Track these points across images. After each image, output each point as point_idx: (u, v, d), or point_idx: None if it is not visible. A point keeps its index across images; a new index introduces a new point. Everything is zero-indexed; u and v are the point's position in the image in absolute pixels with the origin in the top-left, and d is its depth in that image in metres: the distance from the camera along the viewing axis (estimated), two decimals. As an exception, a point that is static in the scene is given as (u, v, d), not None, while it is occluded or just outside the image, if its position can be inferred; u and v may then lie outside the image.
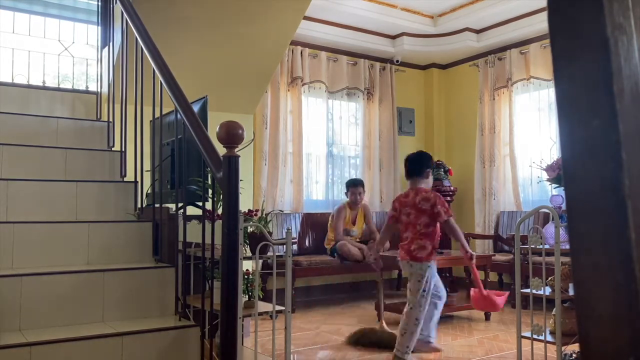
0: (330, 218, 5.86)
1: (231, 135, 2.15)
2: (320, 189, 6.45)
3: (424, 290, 3.44)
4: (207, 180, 2.59)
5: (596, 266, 0.47)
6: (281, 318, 2.44)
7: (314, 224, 6.05)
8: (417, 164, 3.65)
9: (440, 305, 3.72)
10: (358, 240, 5.83)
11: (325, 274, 5.64)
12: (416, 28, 6.37)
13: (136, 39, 2.94)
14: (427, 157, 3.79)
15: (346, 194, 5.87)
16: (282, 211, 5.75)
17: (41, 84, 4.19)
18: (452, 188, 6.65)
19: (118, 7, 3.40)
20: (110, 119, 3.67)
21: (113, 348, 2.26)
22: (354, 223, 5.83)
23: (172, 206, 2.81)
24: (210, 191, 2.61)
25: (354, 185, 5.82)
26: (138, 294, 2.59)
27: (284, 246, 2.46)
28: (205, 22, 4.30)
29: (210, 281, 2.48)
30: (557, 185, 3.21)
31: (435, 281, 3.56)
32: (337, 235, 5.73)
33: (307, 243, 5.96)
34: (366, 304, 5.54)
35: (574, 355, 2.69)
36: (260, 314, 2.42)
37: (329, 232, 5.85)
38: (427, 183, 3.64)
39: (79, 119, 3.91)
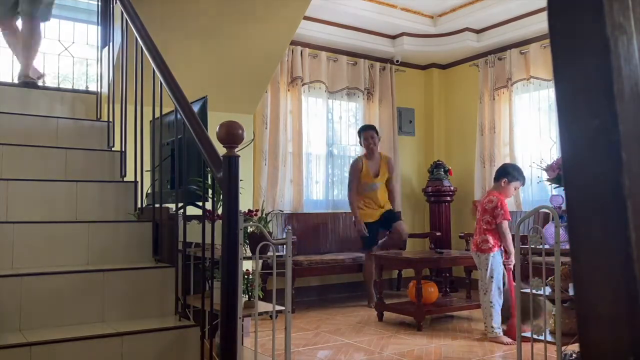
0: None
1: (231, 135, 2.14)
2: (320, 189, 6.45)
3: (490, 277, 4.05)
4: (207, 180, 2.59)
5: (596, 266, 0.47)
6: (281, 318, 2.44)
7: (314, 224, 6.05)
8: (498, 173, 4.30)
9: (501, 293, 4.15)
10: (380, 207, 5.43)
11: (325, 274, 5.64)
12: (416, 28, 6.37)
13: (136, 39, 2.94)
14: (507, 170, 4.26)
15: (360, 143, 5.54)
16: (282, 211, 5.75)
17: (41, 84, 4.18)
18: (452, 188, 6.65)
19: (118, 7, 3.40)
20: (110, 119, 3.67)
21: (113, 348, 2.26)
22: (376, 175, 5.40)
23: (172, 206, 2.81)
24: (210, 191, 2.61)
25: (364, 130, 5.46)
26: (138, 293, 2.59)
27: (284, 246, 2.46)
28: (205, 22, 4.29)
29: (210, 281, 2.48)
30: (557, 185, 3.20)
31: (500, 270, 4.11)
32: (350, 197, 5.39)
33: (307, 243, 5.96)
34: (366, 303, 5.54)
35: (574, 355, 2.69)
36: (260, 314, 2.42)
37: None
38: (502, 189, 4.17)
39: (79, 119, 3.91)
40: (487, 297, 4.06)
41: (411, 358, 3.66)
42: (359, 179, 5.36)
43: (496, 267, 4.06)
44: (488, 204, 4.13)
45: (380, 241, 5.47)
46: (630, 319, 0.44)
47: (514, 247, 2.99)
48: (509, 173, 4.16)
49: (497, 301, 4.05)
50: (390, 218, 5.40)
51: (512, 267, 4.04)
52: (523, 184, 4.32)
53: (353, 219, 5.48)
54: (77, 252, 2.74)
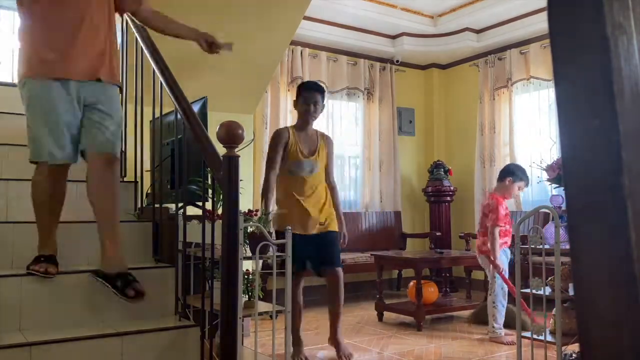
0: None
1: (231, 135, 2.15)
2: (320, 189, 6.43)
3: (493, 277, 4.08)
4: (207, 180, 2.59)
5: (596, 266, 0.47)
6: (281, 318, 2.44)
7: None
8: (503, 172, 4.27)
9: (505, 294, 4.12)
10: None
11: (325, 274, 5.62)
12: (416, 28, 6.37)
13: (136, 38, 2.94)
14: (511, 169, 4.26)
15: (295, 106, 3.68)
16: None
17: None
18: (452, 188, 6.65)
19: (118, 7, 3.40)
20: (110, 119, 3.66)
21: (113, 348, 2.26)
22: (311, 153, 3.57)
23: (172, 206, 2.81)
24: (210, 191, 2.61)
25: (308, 89, 3.60)
26: (138, 294, 2.58)
27: (284, 246, 2.46)
28: (205, 22, 4.28)
29: (210, 281, 2.48)
30: (557, 185, 3.20)
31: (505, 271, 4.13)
32: (265, 183, 3.50)
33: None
34: (366, 303, 5.54)
35: (574, 355, 2.69)
36: (260, 314, 2.42)
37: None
38: (505, 188, 4.16)
39: (79, 119, 3.89)
40: (491, 298, 4.09)
41: (411, 358, 3.66)
42: (284, 155, 3.51)
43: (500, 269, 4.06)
44: (487, 207, 4.16)
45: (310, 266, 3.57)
46: (630, 319, 0.44)
47: (515, 247, 2.99)
48: (513, 173, 4.17)
49: (501, 302, 4.04)
50: (325, 252, 3.51)
51: (501, 271, 4.02)
52: (527, 185, 4.30)
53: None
54: (77, 252, 2.74)
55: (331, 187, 3.69)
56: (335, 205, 3.65)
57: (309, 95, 3.55)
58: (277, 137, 3.55)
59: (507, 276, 4.05)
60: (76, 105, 2.45)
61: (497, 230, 4.02)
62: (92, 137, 2.47)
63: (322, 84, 3.76)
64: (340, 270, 3.56)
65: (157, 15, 2.76)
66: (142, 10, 2.75)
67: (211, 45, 2.73)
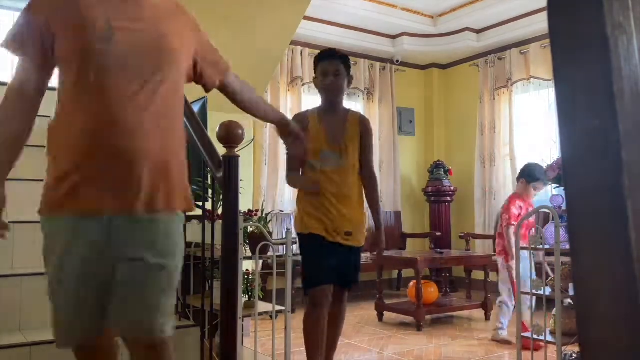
0: None
1: (231, 135, 2.15)
2: (320, 189, 6.43)
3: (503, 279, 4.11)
4: (207, 180, 2.59)
5: (596, 266, 0.47)
6: (281, 318, 2.44)
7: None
8: (519, 173, 4.21)
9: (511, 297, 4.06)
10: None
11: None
12: (416, 28, 6.37)
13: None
14: (527, 170, 4.15)
15: (315, 82, 2.89)
16: (282, 211, 5.75)
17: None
18: (452, 188, 6.65)
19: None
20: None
21: (113, 348, 2.26)
22: (335, 140, 2.76)
23: (172, 206, 2.80)
24: (210, 191, 2.61)
25: (322, 58, 2.82)
26: (138, 294, 2.58)
27: (284, 246, 2.46)
28: (205, 22, 4.29)
29: (210, 281, 2.48)
30: (557, 185, 3.21)
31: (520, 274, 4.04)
32: (287, 170, 2.86)
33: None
34: (366, 303, 5.54)
35: (574, 355, 2.69)
36: (260, 314, 2.42)
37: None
38: (522, 190, 4.10)
39: (79, 119, 3.89)
40: (499, 299, 4.09)
41: (411, 358, 3.65)
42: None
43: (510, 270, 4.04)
44: (502, 208, 4.13)
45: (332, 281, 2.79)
46: (630, 319, 0.44)
47: (515, 247, 2.99)
48: (528, 174, 4.06)
49: (506, 303, 4.02)
50: (345, 268, 2.81)
51: (512, 271, 4.01)
52: (545, 185, 4.11)
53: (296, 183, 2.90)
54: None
55: (368, 179, 2.86)
56: (371, 201, 2.93)
57: (326, 65, 2.76)
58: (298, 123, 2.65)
59: (527, 280, 3.98)
60: (106, 253, 1.54)
61: (511, 229, 3.94)
62: (125, 311, 1.55)
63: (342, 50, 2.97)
64: (346, 292, 2.93)
65: (246, 85, 2.02)
66: (230, 78, 1.94)
67: (291, 134, 2.16)
